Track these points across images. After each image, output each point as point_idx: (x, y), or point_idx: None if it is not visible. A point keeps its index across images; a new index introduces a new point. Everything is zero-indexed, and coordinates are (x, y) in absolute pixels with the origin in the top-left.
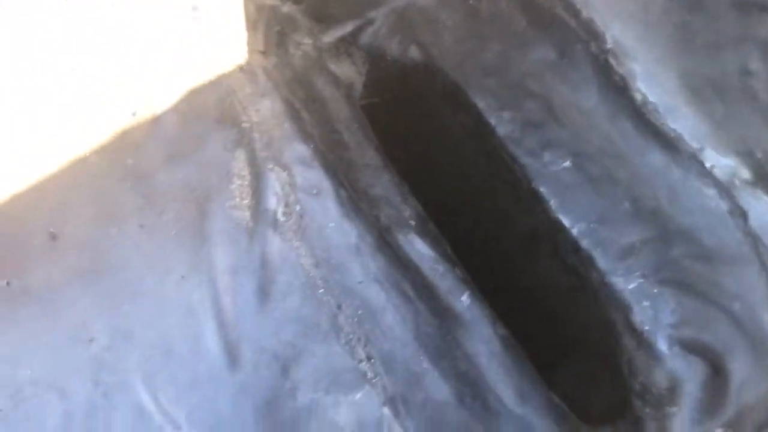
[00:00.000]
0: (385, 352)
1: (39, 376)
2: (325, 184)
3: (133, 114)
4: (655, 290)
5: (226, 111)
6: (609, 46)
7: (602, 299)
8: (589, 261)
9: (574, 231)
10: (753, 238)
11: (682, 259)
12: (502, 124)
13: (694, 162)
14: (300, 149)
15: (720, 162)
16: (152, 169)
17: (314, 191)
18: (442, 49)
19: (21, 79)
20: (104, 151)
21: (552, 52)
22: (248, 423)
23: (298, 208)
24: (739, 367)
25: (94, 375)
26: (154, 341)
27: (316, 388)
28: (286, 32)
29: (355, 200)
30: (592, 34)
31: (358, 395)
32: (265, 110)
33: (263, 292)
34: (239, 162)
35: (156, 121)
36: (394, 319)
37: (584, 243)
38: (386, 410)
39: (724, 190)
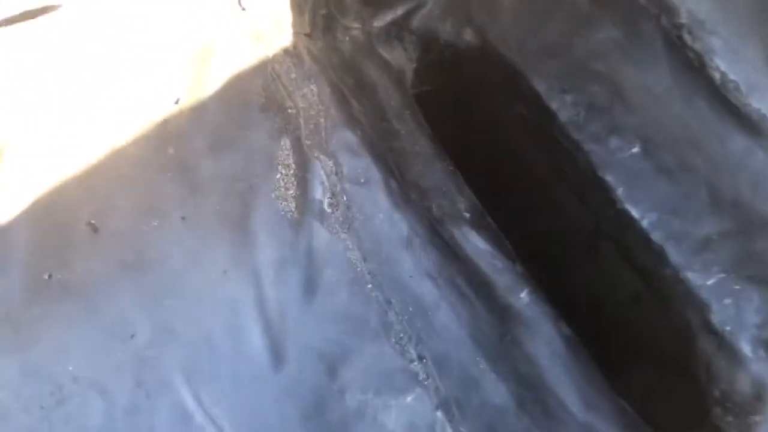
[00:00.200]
0: (438, 352)
1: (80, 373)
2: (374, 174)
3: (176, 102)
4: (738, 287)
5: (271, 97)
6: (683, 20)
7: (675, 297)
8: (660, 255)
9: (644, 223)
10: None
11: (767, 253)
12: (564, 108)
13: None
14: (347, 136)
15: None
16: (194, 159)
17: (362, 180)
18: (498, 30)
19: (62, 69)
20: (146, 141)
21: (618, 30)
22: (293, 426)
23: (345, 198)
24: None
25: (136, 373)
26: (196, 338)
27: (364, 389)
28: (333, 16)
29: (406, 190)
30: (663, 7)
31: (410, 398)
32: (311, 95)
33: (309, 288)
34: (284, 150)
35: (198, 109)
36: (447, 317)
37: (655, 236)
38: (439, 414)
39: None
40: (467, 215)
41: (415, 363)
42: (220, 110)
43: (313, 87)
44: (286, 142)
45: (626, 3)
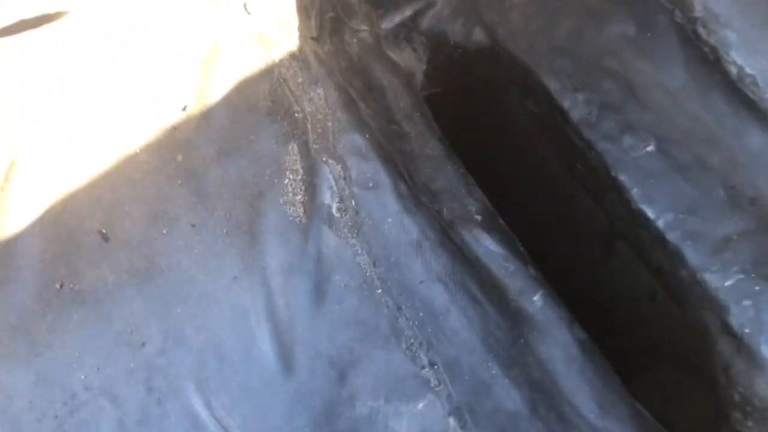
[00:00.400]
0: (449, 358)
1: (92, 381)
2: (382, 177)
3: (183, 109)
4: (758, 288)
5: (277, 101)
6: (697, 13)
7: (693, 298)
8: (677, 256)
9: (660, 223)
10: None
11: None
12: (576, 107)
13: None
14: (355, 140)
15: None
16: (203, 166)
17: (370, 184)
18: (509, 29)
19: (69, 79)
20: (154, 149)
21: (631, 26)
22: None
23: (353, 203)
24: None
25: (147, 380)
26: (207, 345)
27: (375, 396)
28: (340, 18)
29: (416, 194)
30: (677, 1)
31: (421, 404)
32: (318, 99)
33: (318, 294)
34: (292, 155)
35: (206, 116)
36: (459, 322)
37: (671, 236)
38: (452, 421)
39: None
40: (478, 217)
41: (426, 369)
42: (227, 116)
43: (320, 91)
44: (293, 147)
45: None
